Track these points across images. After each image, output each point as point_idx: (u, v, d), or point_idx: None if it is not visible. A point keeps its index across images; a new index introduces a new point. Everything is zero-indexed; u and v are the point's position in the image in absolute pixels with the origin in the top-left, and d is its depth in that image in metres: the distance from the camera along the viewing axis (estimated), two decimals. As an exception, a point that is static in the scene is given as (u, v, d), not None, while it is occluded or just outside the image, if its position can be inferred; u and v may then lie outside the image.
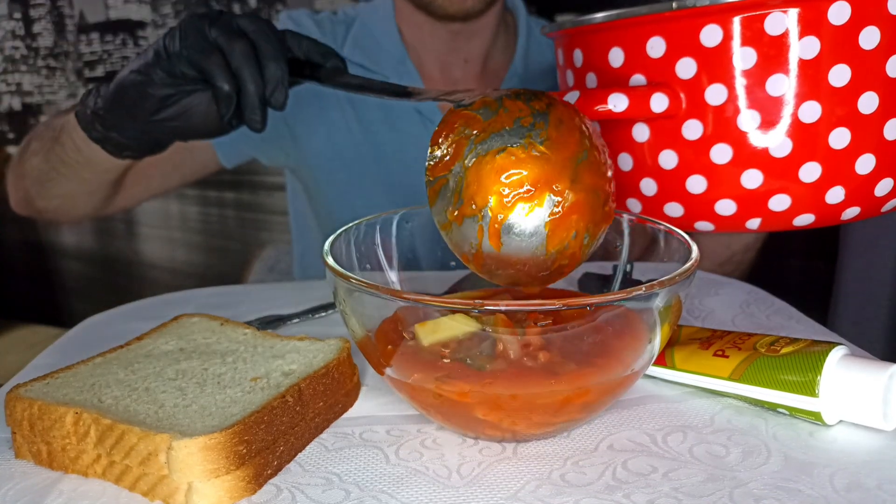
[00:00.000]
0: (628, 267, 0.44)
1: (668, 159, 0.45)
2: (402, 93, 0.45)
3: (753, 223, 0.44)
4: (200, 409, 0.33)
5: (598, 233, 0.37)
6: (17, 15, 2.13)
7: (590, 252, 0.38)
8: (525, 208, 0.35)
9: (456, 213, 0.36)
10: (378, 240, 0.43)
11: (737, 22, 0.40)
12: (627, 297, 0.31)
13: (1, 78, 2.21)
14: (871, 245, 1.05)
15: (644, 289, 0.31)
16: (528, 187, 0.35)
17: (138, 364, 0.38)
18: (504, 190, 0.35)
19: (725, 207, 0.43)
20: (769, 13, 0.39)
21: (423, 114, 0.81)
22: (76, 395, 0.35)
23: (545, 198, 0.35)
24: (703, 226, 0.44)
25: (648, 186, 0.45)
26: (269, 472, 0.33)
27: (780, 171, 0.42)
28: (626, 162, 0.47)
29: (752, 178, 0.42)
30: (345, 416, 0.39)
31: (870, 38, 0.40)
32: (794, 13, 0.39)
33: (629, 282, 0.44)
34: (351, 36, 0.81)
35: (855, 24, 0.39)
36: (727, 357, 0.38)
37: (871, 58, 0.40)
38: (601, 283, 0.49)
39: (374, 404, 0.40)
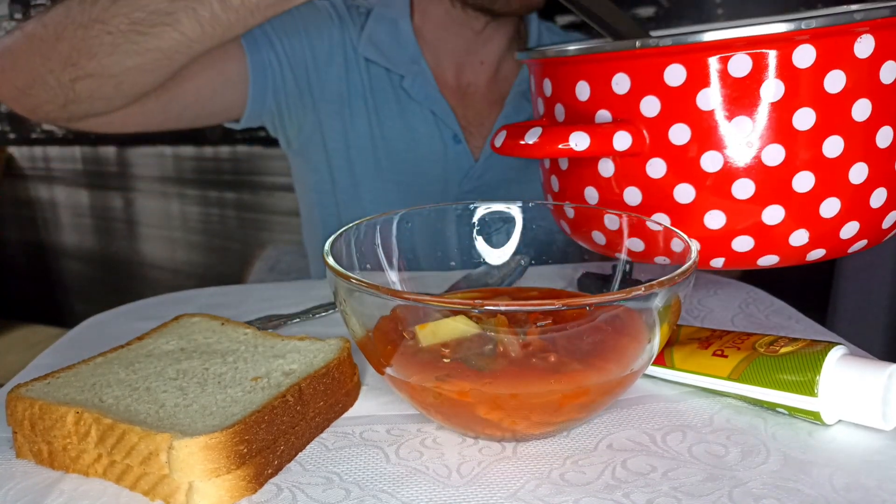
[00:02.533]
0: (628, 267, 0.44)
1: (632, 196, 0.44)
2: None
3: (717, 262, 0.44)
4: (201, 409, 0.33)
5: None
6: (18, 15, 2.13)
7: None
8: None
9: None
10: (378, 240, 0.43)
11: (700, 63, 0.40)
12: (627, 297, 0.31)
13: (1, 78, 2.21)
14: (870, 245, 1.05)
15: (643, 289, 0.31)
16: None
17: (139, 364, 0.38)
18: None
19: (679, 245, 0.42)
20: (732, 55, 0.39)
21: (437, 114, 0.81)
22: (77, 395, 0.35)
23: None
24: (663, 261, 0.44)
25: (612, 222, 0.45)
26: (269, 471, 0.33)
27: (742, 213, 0.42)
28: (592, 196, 0.47)
29: (714, 219, 0.42)
30: (345, 415, 0.39)
31: (834, 82, 0.39)
32: (757, 56, 0.39)
33: (629, 282, 0.44)
34: (365, 32, 0.81)
35: (820, 68, 0.39)
36: (726, 357, 0.38)
37: (837, 102, 0.39)
38: (601, 283, 0.49)
39: (375, 404, 0.40)
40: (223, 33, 0.58)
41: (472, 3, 0.77)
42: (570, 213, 0.48)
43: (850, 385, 0.34)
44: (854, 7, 0.40)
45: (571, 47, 0.45)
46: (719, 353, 0.39)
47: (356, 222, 0.42)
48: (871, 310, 1.06)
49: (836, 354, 0.35)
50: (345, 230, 0.41)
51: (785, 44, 0.38)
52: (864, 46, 0.39)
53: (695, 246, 0.36)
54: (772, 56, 0.39)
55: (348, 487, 0.32)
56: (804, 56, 0.39)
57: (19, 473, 0.34)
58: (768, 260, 0.43)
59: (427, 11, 0.82)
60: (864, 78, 0.39)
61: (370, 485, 0.32)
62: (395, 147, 0.82)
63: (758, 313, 0.51)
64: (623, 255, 0.40)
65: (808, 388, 0.35)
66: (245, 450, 0.31)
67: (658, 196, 0.43)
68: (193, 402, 0.34)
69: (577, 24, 1.20)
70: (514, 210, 0.48)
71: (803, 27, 0.38)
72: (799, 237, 0.42)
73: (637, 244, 0.44)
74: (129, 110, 0.67)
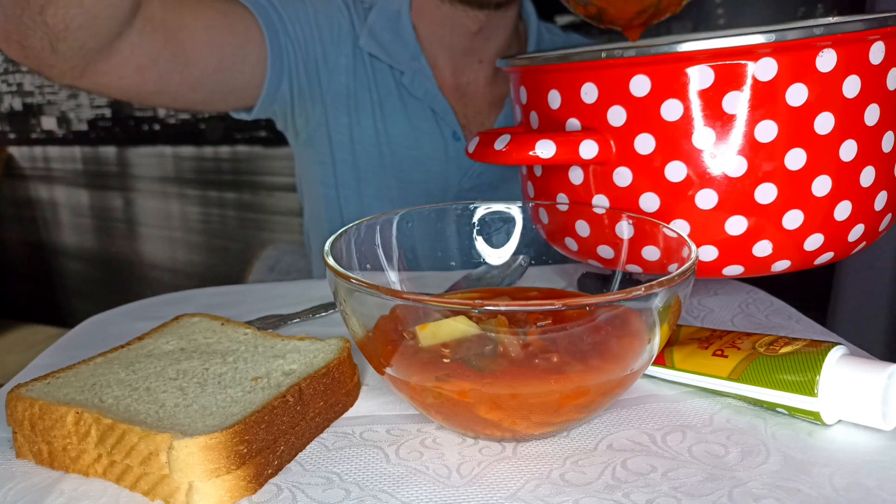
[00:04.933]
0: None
1: (600, 204, 0.45)
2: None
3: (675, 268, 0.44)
4: (201, 409, 0.33)
5: None
6: (18, 15, 2.12)
7: None
8: None
9: None
10: (378, 240, 0.43)
11: (664, 74, 0.40)
12: (627, 297, 0.31)
13: (2, 78, 2.21)
14: (870, 245, 1.05)
15: (643, 289, 0.31)
16: None
17: (139, 364, 0.38)
18: None
19: (651, 254, 0.42)
20: (696, 67, 0.39)
21: (436, 112, 0.81)
22: (77, 395, 0.35)
23: None
24: (633, 268, 0.44)
25: (583, 228, 0.46)
26: (269, 471, 0.33)
27: (707, 223, 0.42)
28: (563, 202, 0.47)
29: (679, 229, 0.42)
30: (345, 415, 0.39)
31: (797, 95, 0.39)
32: (720, 68, 0.39)
33: (628, 282, 0.44)
34: (367, 27, 0.81)
35: (782, 81, 0.39)
36: (726, 357, 0.38)
37: (799, 115, 0.40)
38: (601, 283, 0.49)
39: (375, 404, 0.40)
40: None
41: None
42: (545, 217, 0.49)
43: (850, 385, 0.34)
44: (818, 21, 0.40)
45: (543, 56, 0.45)
46: (719, 353, 0.39)
47: (356, 222, 0.42)
48: (871, 310, 1.06)
49: (836, 354, 0.35)
50: (345, 230, 0.41)
51: (747, 56, 0.39)
52: (826, 61, 0.39)
53: (694, 247, 0.36)
54: (734, 69, 0.39)
55: (348, 487, 0.32)
56: (766, 69, 0.39)
57: (19, 473, 0.34)
58: (733, 270, 0.44)
59: (422, 9, 0.82)
60: (826, 92, 0.39)
61: (370, 485, 0.32)
62: (397, 144, 0.82)
63: (758, 313, 0.51)
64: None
65: (808, 388, 0.35)
66: (245, 450, 0.31)
67: (625, 204, 0.44)
68: (193, 402, 0.34)
69: (576, 25, 1.20)
70: (514, 210, 0.48)
71: (764, 41, 0.38)
72: (762, 248, 0.42)
73: (607, 252, 0.44)
74: (141, 63, 0.65)
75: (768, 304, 0.53)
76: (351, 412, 0.39)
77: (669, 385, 0.41)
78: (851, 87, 0.40)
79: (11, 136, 2.25)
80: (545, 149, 0.42)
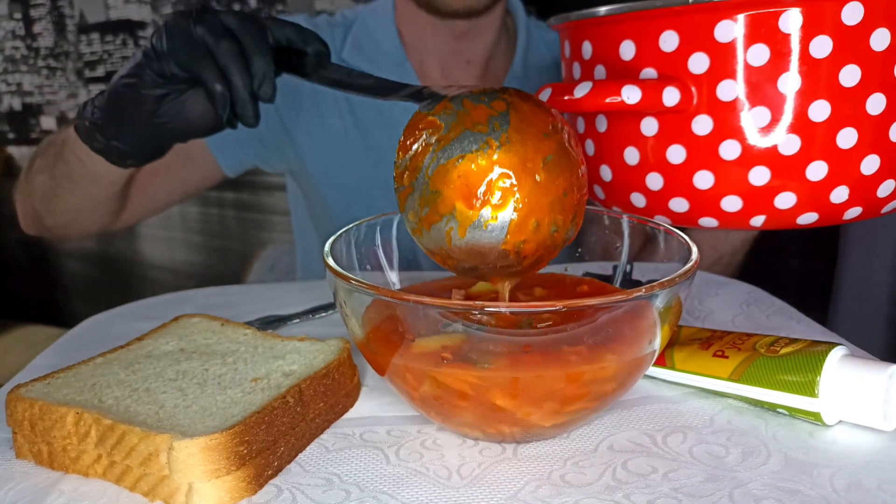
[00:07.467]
0: (628, 267, 0.44)
1: (676, 154, 0.45)
2: (382, 90, 0.45)
3: (758, 220, 0.44)
4: (201, 410, 0.33)
5: (567, 221, 0.38)
6: (18, 15, 2.13)
7: (563, 239, 0.38)
8: (487, 213, 0.35)
9: (423, 220, 0.37)
10: (378, 240, 0.43)
11: (750, 18, 0.40)
12: (627, 297, 0.31)
13: (1, 78, 2.21)
14: (870, 245, 1.05)
15: (644, 290, 0.31)
16: (489, 193, 0.35)
17: (139, 364, 0.38)
18: (466, 197, 0.36)
19: (731, 204, 0.43)
20: (783, 10, 0.40)
21: None
22: (77, 396, 0.35)
23: (508, 203, 0.35)
24: (708, 222, 0.44)
25: (654, 181, 0.45)
26: (269, 472, 0.33)
27: (787, 169, 0.42)
28: (632, 156, 0.47)
29: (759, 175, 0.43)
30: (345, 416, 0.39)
31: (881, 39, 0.40)
32: (806, 11, 0.40)
33: (629, 282, 0.44)
34: (350, 38, 0.81)
35: (867, 25, 0.40)
36: (727, 357, 0.38)
37: (881, 59, 0.40)
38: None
39: (375, 405, 0.40)
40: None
41: (418, 1, 0.77)
42: (608, 175, 0.48)
43: (850, 385, 0.34)
44: None
45: (609, 7, 0.45)
46: (720, 353, 0.39)
47: (356, 223, 0.42)
48: (871, 310, 1.06)
49: (836, 355, 0.35)
50: (345, 231, 0.41)
51: (834, 1, 0.39)
52: None
53: (695, 247, 0.36)
54: (821, 12, 0.39)
55: (348, 489, 0.32)
56: (852, 13, 0.39)
57: (19, 474, 0.34)
58: (808, 218, 0.44)
59: (405, 15, 0.81)
60: None
61: (370, 486, 0.32)
62: (381, 155, 0.81)
63: (759, 313, 0.51)
64: (664, 218, 0.40)
65: (809, 389, 0.35)
66: (245, 451, 0.31)
67: (703, 153, 0.43)
68: (193, 402, 0.34)
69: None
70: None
71: None
72: (839, 194, 0.42)
73: (681, 204, 0.44)
74: (122, 218, 0.77)
75: (769, 304, 0.53)
76: (351, 413, 0.39)
77: (670, 386, 0.41)
78: None
79: (11, 136, 2.25)
80: (631, 93, 0.42)
